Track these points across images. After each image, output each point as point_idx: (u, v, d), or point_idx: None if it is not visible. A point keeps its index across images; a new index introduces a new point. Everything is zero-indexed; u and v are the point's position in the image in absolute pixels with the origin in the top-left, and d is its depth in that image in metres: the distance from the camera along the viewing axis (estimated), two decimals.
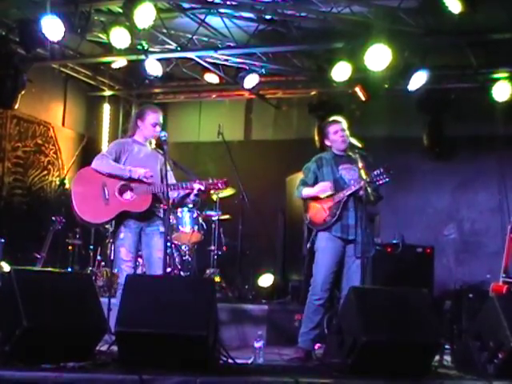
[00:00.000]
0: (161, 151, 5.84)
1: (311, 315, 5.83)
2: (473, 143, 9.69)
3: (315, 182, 5.93)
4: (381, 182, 5.68)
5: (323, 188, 5.84)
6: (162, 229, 5.73)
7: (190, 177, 5.84)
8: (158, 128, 5.86)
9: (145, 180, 5.69)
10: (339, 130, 5.93)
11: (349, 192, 5.77)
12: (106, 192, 5.73)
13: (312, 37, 8.82)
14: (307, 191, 5.92)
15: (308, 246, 6.05)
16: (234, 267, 8.96)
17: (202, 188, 5.73)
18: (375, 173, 5.66)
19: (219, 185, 5.80)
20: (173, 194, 5.78)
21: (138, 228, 5.76)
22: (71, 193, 5.80)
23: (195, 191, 5.73)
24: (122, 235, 5.74)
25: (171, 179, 5.87)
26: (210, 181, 5.77)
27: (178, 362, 4.34)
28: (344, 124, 5.98)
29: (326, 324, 6.38)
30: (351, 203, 5.81)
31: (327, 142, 6.03)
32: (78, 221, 5.82)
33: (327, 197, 5.86)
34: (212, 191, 7.43)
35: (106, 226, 8.23)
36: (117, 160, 5.80)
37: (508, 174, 9.44)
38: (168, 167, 5.89)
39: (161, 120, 5.90)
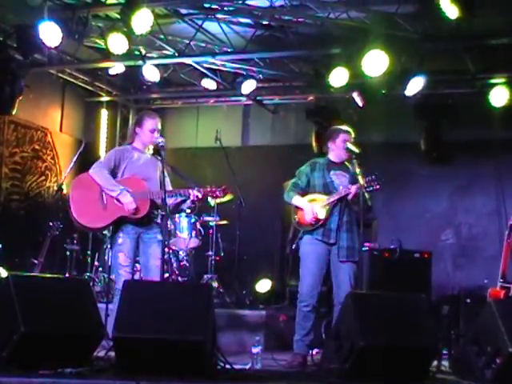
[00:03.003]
0: (159, 157, 5.82)
1: (302, 322, 5.83)
2: (470, 148, 9.67)
3: (307, 185, 5.98)
4: (372, 188, 5.69)
5: (308, 212, 5.83)
6: (159, 237, 5.70)
7: (189, 183, 5.83)
8: (157, 134, 5.83)
9: (126, 211, 5.64)
10: (348, 141, 5.95)
11: (337, 197, 5.82)
12: (105, 197, 5.72)
13: (309, 42, 8.82)
14: (297, 201, 5.95)
15: (293, 246, 6.07)
16: (232, 272, 8.95)
17: (200, 196, 5.71)
18: (368, 178, 5.70)
19: (218, 192, 5.77)
20: (169, 201, 5.75)
21: (135, 234, 5.75)
22: (69, 197, 5.78)
23: (192, 197, 5.71)
24: (120, 240, 5.73)
25: (168, 186, 5.85)
26: (209, 188, 5.75)
27: (176, 367, 4.34)
28: (352, 138, 6.01)
29: (323, 329, 6.38)
30: (337, 208, 5.86)
31: (331, 145, 6.05)
32: (76, 225, 5.80)
33: (316, 200, 5.88)
34: (210, 198, 7.41)
35: (104, 232, 8.24)
36: (116, 168, 5.78)
37: (505, 178, 9.44)
38: (165, 173, 5.90)
39: (159, 126, 5.88)
